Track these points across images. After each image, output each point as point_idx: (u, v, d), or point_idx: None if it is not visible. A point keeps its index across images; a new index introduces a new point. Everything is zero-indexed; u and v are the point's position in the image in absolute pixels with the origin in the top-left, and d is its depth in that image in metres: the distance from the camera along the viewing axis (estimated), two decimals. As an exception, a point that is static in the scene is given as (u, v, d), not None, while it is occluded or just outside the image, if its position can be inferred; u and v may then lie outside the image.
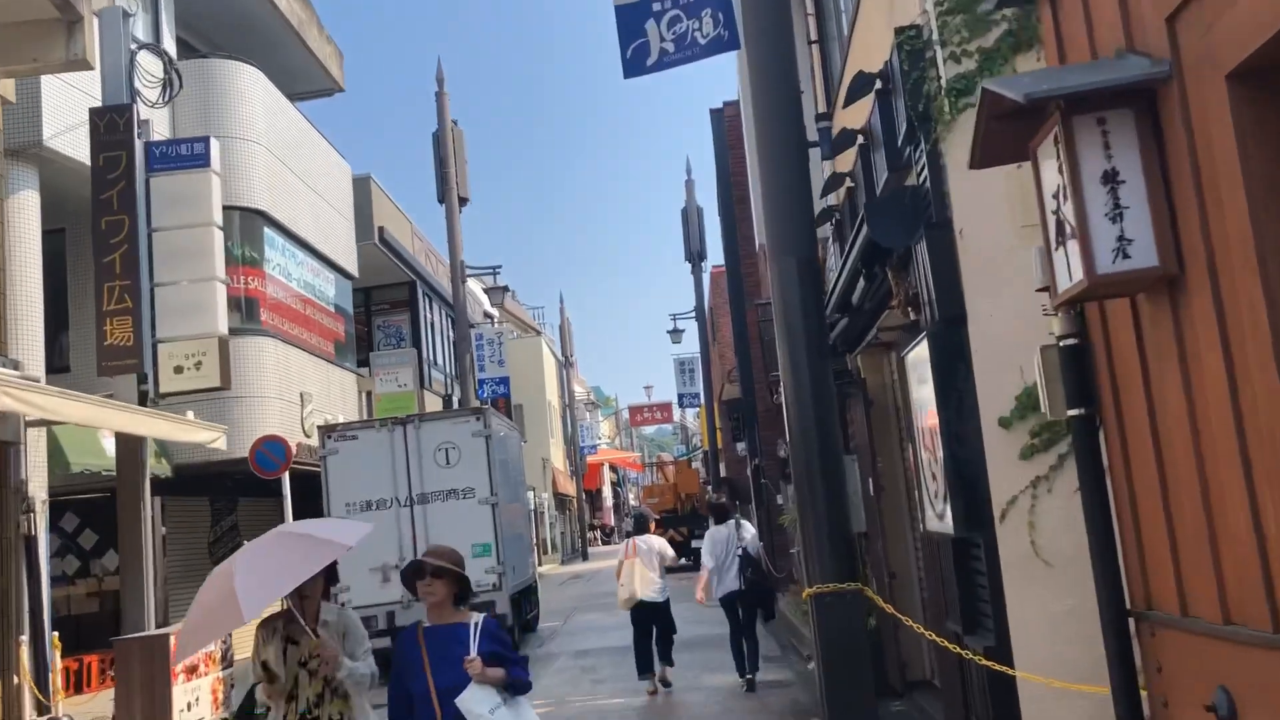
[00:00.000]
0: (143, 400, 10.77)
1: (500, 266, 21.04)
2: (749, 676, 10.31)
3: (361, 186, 20.82)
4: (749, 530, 10.98)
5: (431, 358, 24.91)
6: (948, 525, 5.09)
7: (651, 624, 10.65)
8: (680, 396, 30.33)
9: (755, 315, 15.89)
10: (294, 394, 16.29)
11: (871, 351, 8.39)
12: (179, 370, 10.90)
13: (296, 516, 19.46)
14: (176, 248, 11.04)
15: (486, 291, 20.77)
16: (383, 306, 24.52)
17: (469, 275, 20.55)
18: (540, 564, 39.21)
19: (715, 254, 36.67)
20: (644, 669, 10.63)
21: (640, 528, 11.40)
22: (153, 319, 10.88)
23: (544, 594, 25.37)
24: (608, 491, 73.59)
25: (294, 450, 11.45)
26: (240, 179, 15.42)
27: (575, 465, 48.85)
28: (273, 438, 11.42)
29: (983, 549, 4.96)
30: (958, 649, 5.33)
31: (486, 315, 25.49)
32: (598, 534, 67.97)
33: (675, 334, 29.33)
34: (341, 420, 15.00)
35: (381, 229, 21.39)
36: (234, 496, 17.13)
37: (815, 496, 5.61)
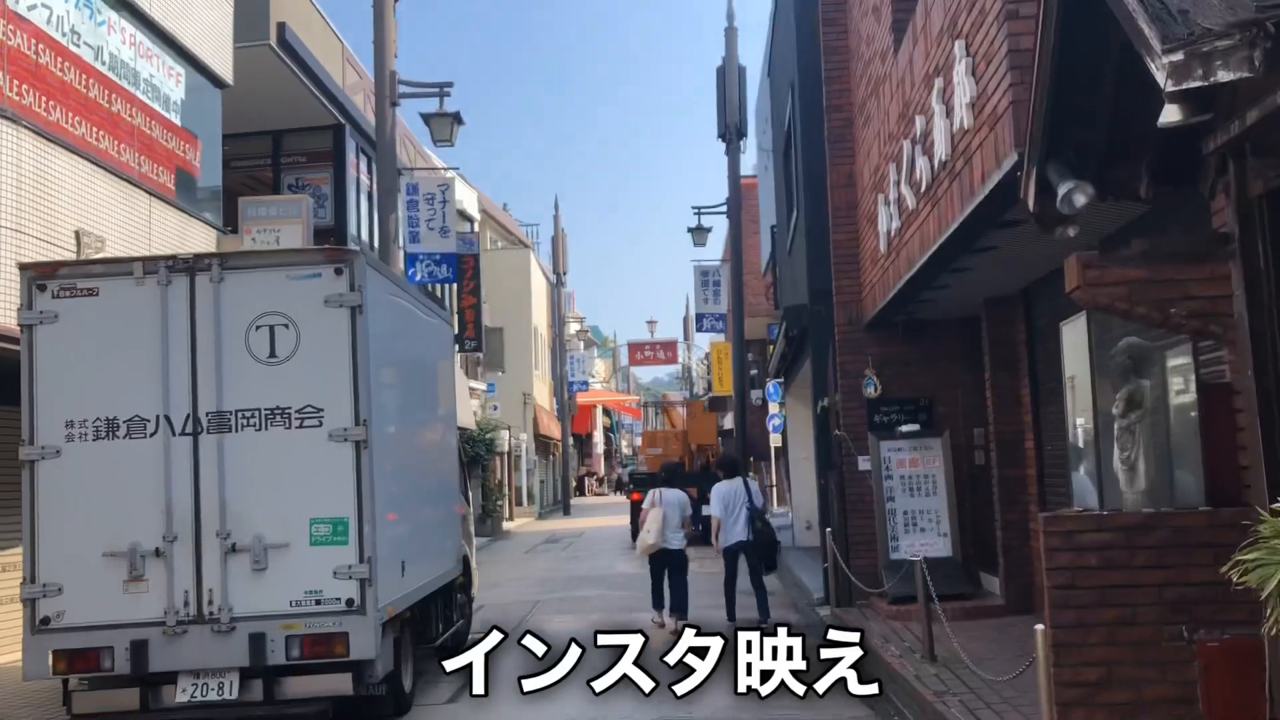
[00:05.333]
0: None
1: (451, 84, 13.84)
2: (763, 625, 10.07)
3: (250, -47, 13.72)
4: (754, 485, 11.73)
5: (365, 235, 17.97)
6: None
7: (667, 569, 11.07)
8: (700, 318, 23.20)
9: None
10: (62, 231, 9.43)
11: None
12: None
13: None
14: None
15: (428, 120, 13.64)
16: (297, 159, 17.50)
17: (405, 94, 13.50)
18: (512, 519, 32.52)
19: (749, 155, 29.10)
20: (658, 603, 11.16)
21: (670, 479, 11.89)
22: None
23: (503, 568, 18.45)
24: (599, 437, 66.99)
25: None
26: None
27: (563, 403, 41.98)
28: None
29: None
30: None
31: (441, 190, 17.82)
32: (593, 481, 60.88)
33: (698, 232, 22.25)
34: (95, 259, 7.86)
35: (282, 26, 14.36)
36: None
37: None
